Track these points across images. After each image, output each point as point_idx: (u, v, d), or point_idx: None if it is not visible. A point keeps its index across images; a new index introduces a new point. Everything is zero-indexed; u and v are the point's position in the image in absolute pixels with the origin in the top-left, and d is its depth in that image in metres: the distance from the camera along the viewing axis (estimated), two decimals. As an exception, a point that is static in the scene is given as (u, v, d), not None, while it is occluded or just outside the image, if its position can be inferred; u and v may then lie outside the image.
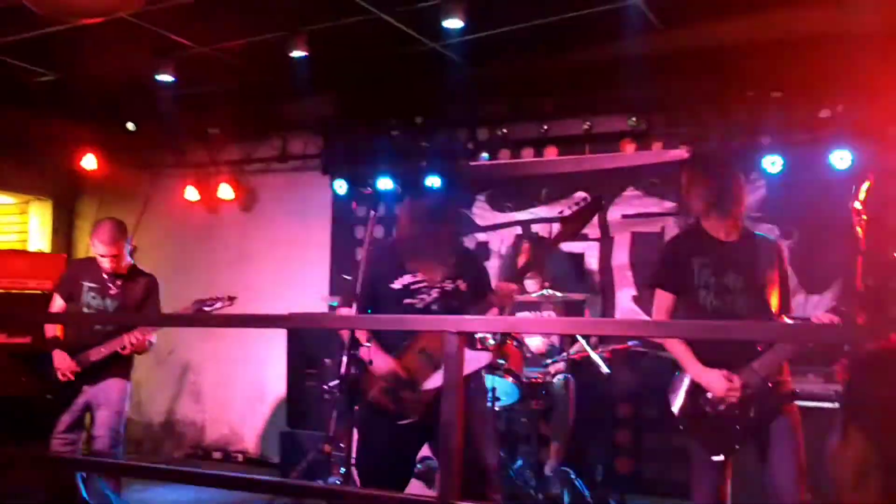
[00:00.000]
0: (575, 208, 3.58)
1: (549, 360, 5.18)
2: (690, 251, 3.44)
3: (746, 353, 3.28)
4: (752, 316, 3.31)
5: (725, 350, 3.28)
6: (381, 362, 3.52)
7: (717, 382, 3.25)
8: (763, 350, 3.27)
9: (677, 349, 3.38)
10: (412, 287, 3.61)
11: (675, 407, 3.40)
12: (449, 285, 3.63)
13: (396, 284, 3.62)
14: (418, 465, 4.03)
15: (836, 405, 4.42)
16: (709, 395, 3.30)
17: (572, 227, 3.61)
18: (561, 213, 3.62)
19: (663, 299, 3.48)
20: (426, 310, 3.57)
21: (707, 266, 3.38)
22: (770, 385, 3.27)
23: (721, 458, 3.28)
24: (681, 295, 3.46)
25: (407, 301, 3.59)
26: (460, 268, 3.68)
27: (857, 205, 3.82)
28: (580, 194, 4.40)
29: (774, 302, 3.38)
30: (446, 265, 3.66)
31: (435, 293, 3.60)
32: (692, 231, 3.54)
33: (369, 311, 3.65)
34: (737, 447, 3.30)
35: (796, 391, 3.40)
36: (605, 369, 4.88)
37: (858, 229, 3.81)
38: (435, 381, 3.42)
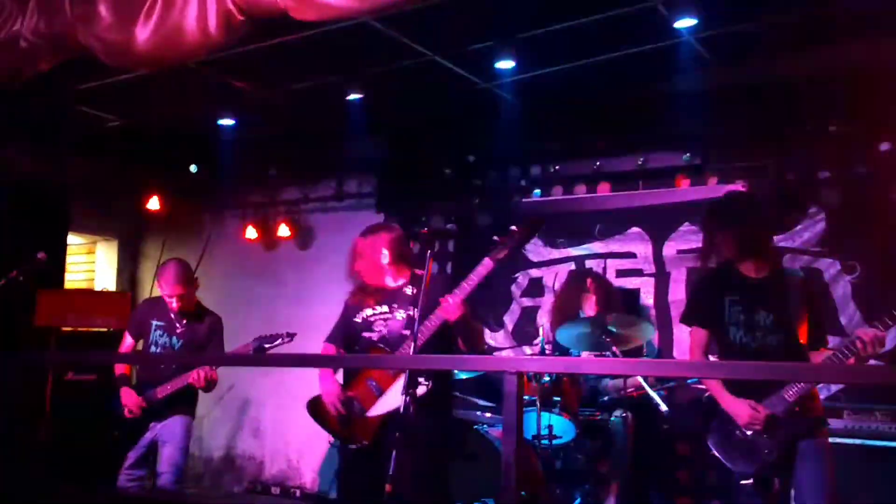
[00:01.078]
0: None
1: (604, 398, 5.15)
2: (721, 289, 3.53)
3: (779, 381, 3.34)
4: (782, 352, 3.39)
5: (759, 380, 3.38)
6: (326, 387, 3.78)
7: (742, 412, 3.37)
8: None
9: (710, 381, 3.52)
10: (370, 319, 3.79)
11: (710, 434, 3.53)
12: (400, 315, 3.74)
13: (359, 318, 3.84)
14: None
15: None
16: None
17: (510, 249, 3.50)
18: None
19: (697, 336, 3.62)
20: (381, 341, 3.72)
21: (737, 303, 3.48)
22: (798, 410, 3.33)
23: (750, 481, 3.35)
24: (712, 331, 3.57)
25: (365, 334, 3.78)
26: (417, 297, 3.63)
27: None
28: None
29: (805, 336, 3.43)
30: (400, 296, 3.78)
31: (388, 324, 3.73)
32: (722, 268, 3.60)
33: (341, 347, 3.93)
34: (770, 473, 3.33)
35: (826, 418, 3.50)
36: (664, 408, 4.82)
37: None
38: (380, 408, 3.58)
